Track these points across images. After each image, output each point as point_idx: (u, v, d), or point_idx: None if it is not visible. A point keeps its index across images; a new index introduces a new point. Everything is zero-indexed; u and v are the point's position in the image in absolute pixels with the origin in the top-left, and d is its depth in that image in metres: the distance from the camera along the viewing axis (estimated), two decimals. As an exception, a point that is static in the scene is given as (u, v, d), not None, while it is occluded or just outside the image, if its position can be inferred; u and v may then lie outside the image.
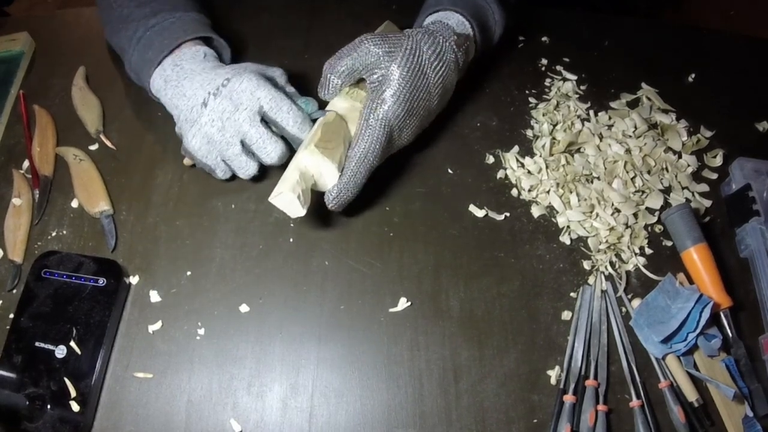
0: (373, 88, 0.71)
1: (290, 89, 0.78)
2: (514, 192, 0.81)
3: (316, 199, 0.79)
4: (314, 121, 0.73)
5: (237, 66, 0.74)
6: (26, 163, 0.82)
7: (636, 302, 0.74)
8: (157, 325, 0.71)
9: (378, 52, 0.69)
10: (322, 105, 0.75)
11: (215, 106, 0.70)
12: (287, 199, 0.65)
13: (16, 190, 0.79)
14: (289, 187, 0.65)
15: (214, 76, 0.72)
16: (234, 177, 0.77)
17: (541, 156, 0.83)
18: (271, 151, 0.71)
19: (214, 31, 0.80)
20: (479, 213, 0.79)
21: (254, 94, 0.70)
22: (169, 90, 0.74)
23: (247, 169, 0.73)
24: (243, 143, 0.71)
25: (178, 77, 0.74)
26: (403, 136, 0.74)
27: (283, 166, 0.70)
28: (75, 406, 0.64)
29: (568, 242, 0.78)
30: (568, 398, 0.67)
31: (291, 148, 0.74)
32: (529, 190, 0.81)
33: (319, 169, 0.68)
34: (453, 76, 0.75)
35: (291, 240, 0.77)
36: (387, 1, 0.99)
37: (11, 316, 0.69)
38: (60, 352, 0.66)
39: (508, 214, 0.79)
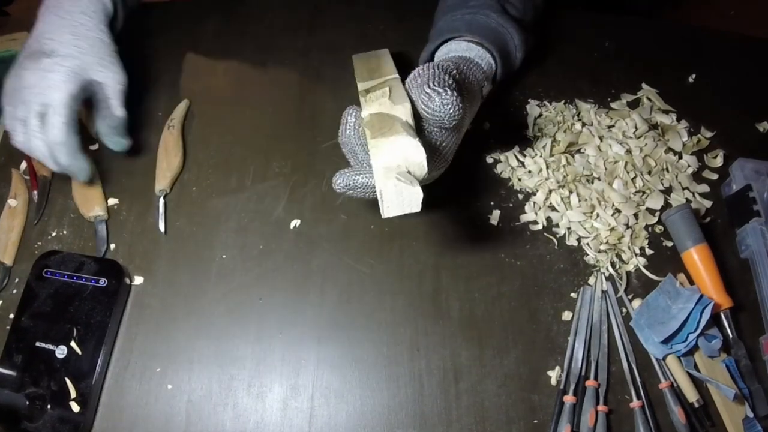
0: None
1: (114, 106, 0.76)
2: (514, 192, 0.81)
3: (317, 199, 0.80)
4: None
5: (85, 42, 0.73)
6: (23, 164, 0.82)
7: (636, 303, 0.73)
8: (157, 326, 0.71)
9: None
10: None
11: (21, 70, 0.70)
12: (406, 193, 0.54)
13: (13, 191, 0.79)
14: (391, 187, 0.54)
15: (54, 35, 0.71)
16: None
17: (541, 156, 0.83)
18: (34, 147, 0.70)
19: None
20: (480, 213, 0.79)
21: (46, 93, 0.69)
22: (38, 18, 0.74)
23: (27, 140, 0.71)
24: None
25: (47, 11, 0.73)
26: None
27: None
28: (75, 407, 0.64)
29: (568, 242, 0.77)
30: (569, 399, 0.67)
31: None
32: (530, 191, 0.81)
33: (402, 153, 0.54)
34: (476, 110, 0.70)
35: (291, 240, 0.76)
36: (389, 1, 0.99)
37: (12, 315, 0.69)
38: (60, 352, 0.66)
39: (508, 215, 0.79)
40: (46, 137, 0.69)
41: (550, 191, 0.80)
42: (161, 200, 0.78)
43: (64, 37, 0.71)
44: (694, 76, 0.94)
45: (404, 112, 0.56)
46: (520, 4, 0.79)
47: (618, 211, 0.79)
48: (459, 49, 0.72)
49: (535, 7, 0.83)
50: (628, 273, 0.76)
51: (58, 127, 0.68)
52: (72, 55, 0.71)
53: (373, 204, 0.79)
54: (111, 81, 0.74)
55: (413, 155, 0.53)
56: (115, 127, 0.76)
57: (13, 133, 0.70)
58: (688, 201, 0.81)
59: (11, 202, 0.78)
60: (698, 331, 0.67)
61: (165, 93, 0.88)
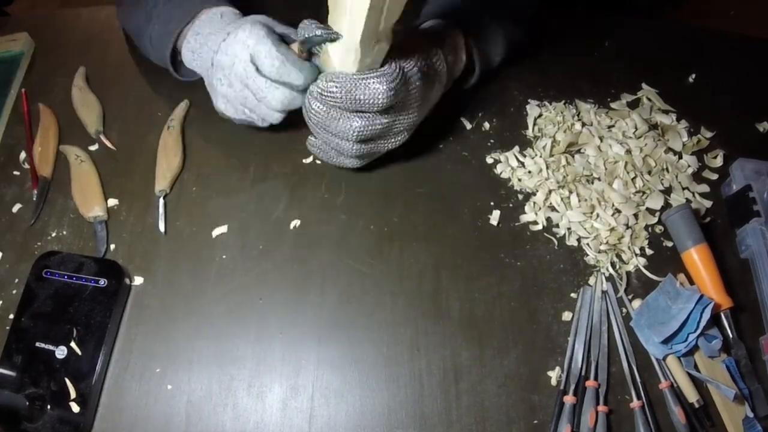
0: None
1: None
2: (514, 192, 0.81)
3: (317, 199, 0.79)
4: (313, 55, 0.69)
5: (245, 18, 0.73)
6: (23, 155, 0.83)
7: (636, 303, 0.73)
8: (157, 326, 0.71)
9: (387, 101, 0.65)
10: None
11: (218, 63, 0.70)
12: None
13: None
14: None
15: (222, 33, 0.72)
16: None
17: (541, 156, 0.83)
18: (270, 99, 0.69)
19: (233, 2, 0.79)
20: (480, 213, 0.79)
21: (245, 43, 0.68)
22: (196, 59, 0.75)
23: (268, 116, 0.73)
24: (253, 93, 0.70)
25: (200, 45, 0.74)
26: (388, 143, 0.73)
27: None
28: (75, 407, 0.64)
29: (568, 243, 0.77)
30: (569, 399, 0.67)
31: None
32: (530, 191, 0.81)
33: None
34: (442, 84, 0.75)
35: (291, 240, 0.76)
36: None
37: (11, 316, 0.69)
38: (60, 352, 0.66)
39: (508, 215, 0.79)
40: (270, 75, 0.68)
41: (550, 191, 0.80)
42: (161, 200, 0.78)
43: (225, 29, 0.72)
44: (694, 76, 0.94)
45: None
46: None
47: (618, 211, 0.79)
48: (434, 25, 0.78)
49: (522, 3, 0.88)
50: (628, 273, 0.76)
51: (268, 56, 0.67)
52: (240, 21, 0.71)
53: (373, 204, 0.79)
54: (288, 30, 0.73)
55: None
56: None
57: (264, 117, 0.72)
58: (688, 201, 0.81)
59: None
60: (698, 332, 0.67)
61: (165, 93, 0.88)
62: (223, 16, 0.75)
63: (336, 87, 0.63)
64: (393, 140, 0.72)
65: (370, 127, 0.67)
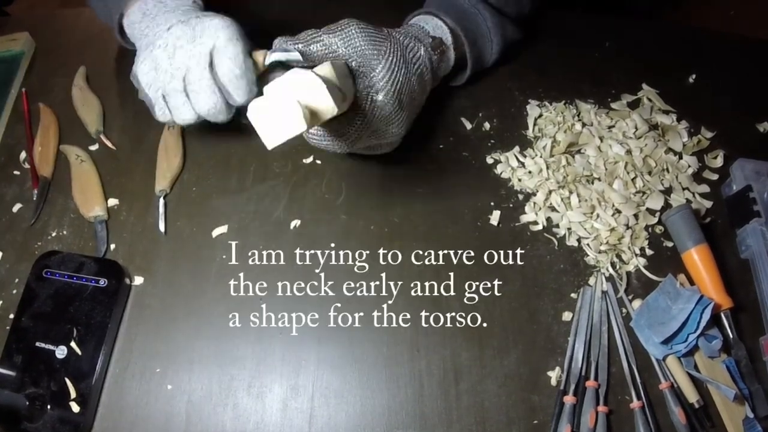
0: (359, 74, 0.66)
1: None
2: (515, 192, 0.81)
3: (317, 199, 0.79)
4: (278, 68, 0.66)
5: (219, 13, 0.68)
6: (23, 155, 0.83)
7: (636, 303, 0.73)
8: (157, 326, 0.71)
9: (363, 45, 0.65)
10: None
11: (175, 30, 0.64)
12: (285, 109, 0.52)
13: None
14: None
15: (192, 13, 0.67)
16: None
17: (541, 157, 0.82)
18: (201, 101, 0.64)
19: None
20: (480, 214, 0.79)
21: (216, 32, 0.63)
22: (144, 22, 0.70)
23: (181, 112, 0.65)
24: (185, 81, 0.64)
25: (157, 12, 0.69)
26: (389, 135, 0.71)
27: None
28: (75, 407, 0.64)
29: (568, 243, 0.77)
30: (569, 399, 0.66)
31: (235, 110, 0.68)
32: (530, 191, 0.81)
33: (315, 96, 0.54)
34: (426, 81, 0.73)
35: (291, 240, 0.76)
36: (390, 3, 0.99)
37: (12, 316, 0.69)
38: (60, 352, 0.66)
39: (508, 215, 0.79)
40: (217, 82, 0.64)
41: (550, 192, 0.80)
42: (161, 200, 0.78)
43: (195, 12, 0.68)
44: (694, 76, 0.94)
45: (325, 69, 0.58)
46: None
47: (618, 211, 0.78)
48: (419, 21, 0.77)
49: (520, 3, 0.86)
50: (628, 273, 0.76)
51: (233, 60, 0.63)
52: (217, 14, 0.66)
53: (373, 204, 0.79)
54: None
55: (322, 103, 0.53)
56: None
57: (171, 109, 0.66)
58: (689, 201, 0.81)
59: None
60: (698, 332, 0.67)
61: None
62: (195, 2, 0.71)
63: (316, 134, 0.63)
64: (386, 145, 0.73)
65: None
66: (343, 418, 0.66)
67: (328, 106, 0.54)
